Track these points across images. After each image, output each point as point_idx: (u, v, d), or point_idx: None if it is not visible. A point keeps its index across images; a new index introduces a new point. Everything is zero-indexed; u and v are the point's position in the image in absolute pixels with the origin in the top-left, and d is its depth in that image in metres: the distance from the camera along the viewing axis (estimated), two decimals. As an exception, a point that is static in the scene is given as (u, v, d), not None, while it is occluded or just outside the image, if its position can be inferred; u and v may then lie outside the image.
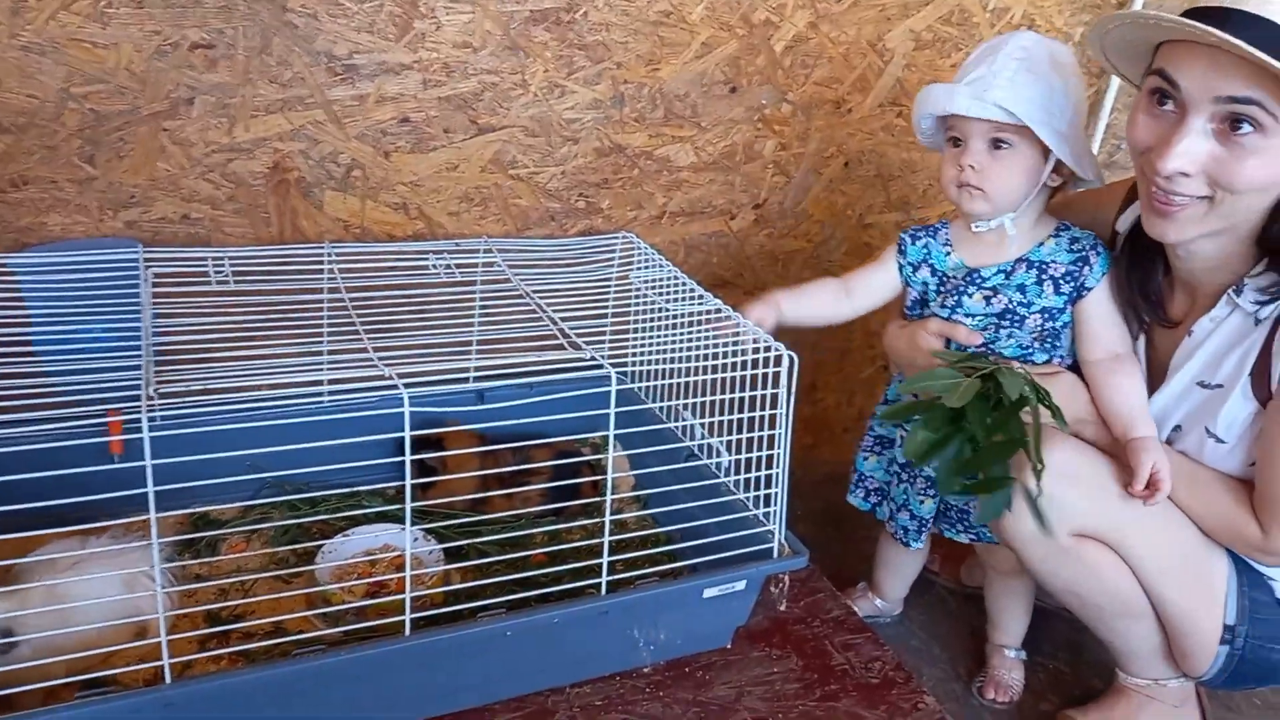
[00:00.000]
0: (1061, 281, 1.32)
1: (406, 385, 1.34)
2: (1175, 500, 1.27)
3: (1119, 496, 1.25)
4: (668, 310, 1.44)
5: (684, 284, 1.44)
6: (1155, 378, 1.34)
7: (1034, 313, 1.33)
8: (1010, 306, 1.33)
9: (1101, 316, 1.32)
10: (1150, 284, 1.32)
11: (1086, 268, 1.31)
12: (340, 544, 1.40)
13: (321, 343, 1.42)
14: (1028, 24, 1.84)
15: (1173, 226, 1.17)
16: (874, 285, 1.44)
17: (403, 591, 1.34)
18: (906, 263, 1.41)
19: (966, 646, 1.69)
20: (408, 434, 1.00)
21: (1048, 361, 1.36)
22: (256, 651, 1.19)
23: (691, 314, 1.39)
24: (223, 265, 1.31)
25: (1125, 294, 1.33)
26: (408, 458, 1.01)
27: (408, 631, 1.08)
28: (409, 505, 1.04)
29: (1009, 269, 1.34)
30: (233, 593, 1.34)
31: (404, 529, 1.43)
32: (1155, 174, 1.14)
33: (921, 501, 1.48)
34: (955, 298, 1.36)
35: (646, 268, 1.52)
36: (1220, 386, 1.25)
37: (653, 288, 1.48)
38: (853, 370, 2.12)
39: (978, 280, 1.35)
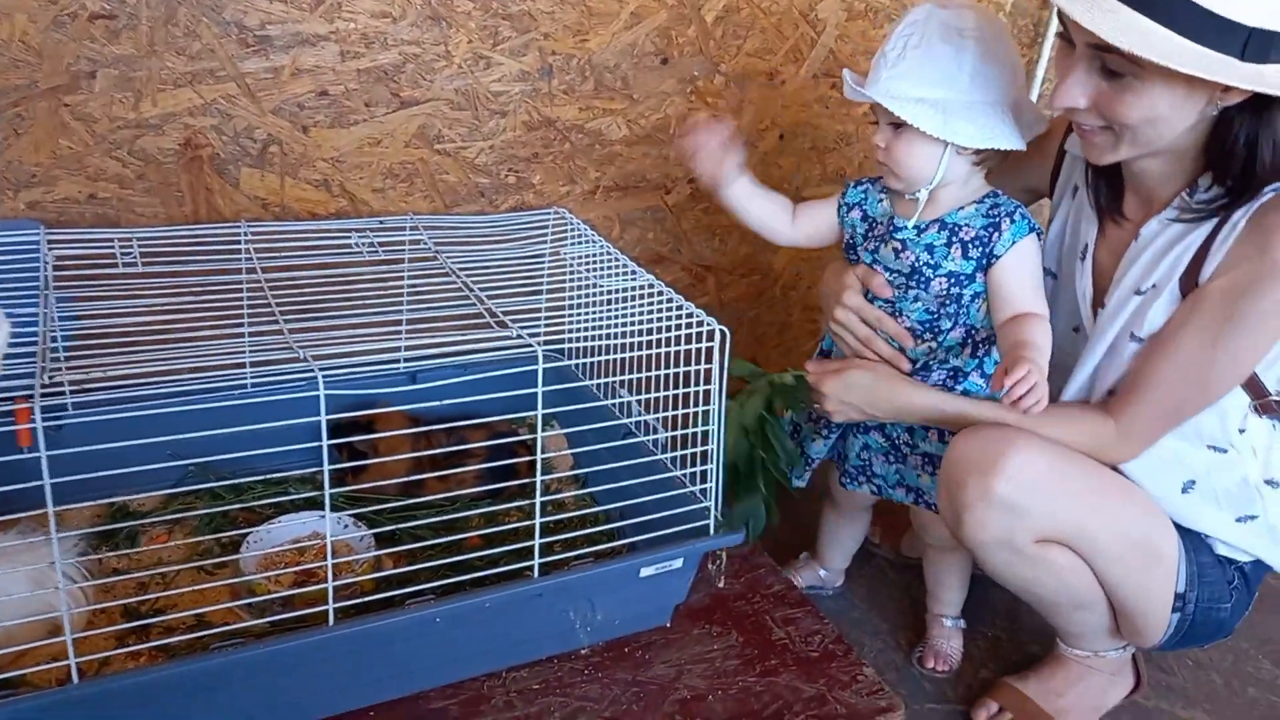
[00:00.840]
0: (970, 245, 1.29)
1: (330, 368, 1.31)
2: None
3: (1079, 496, 1.25)
4: (600, 286, 1.41)
5: (617, 260, 1.41)
6: (1100, 293, 1.33)
7: (940, 275, 1.30)
8: (917, 265, 1.31)
9: (1012, 284, 1.27)
10: (1115, 178, 1.31)
11: (997, 234, 1.28)
12: (266, 532, 1.36)
13: (242, 325, 1.37)
14: (959, -7, 1.83)
15: (1093, 151, 1.20)
16: (815, 218, 1.43)
17: (335, 578, 1.31)
18: (844, 203, 1.41)
19: (907, 617, 1.69)
20: (323, 418, 0.96)
21: (953, 328, 1.34)
22: (177, 646, 1.15)
23: (625, 290, 1.36)
24: (130, 247, 1.25)
25: (1091, 182, 1.33)
26: (324, 443, 0.97)
27: (331, 621, 1.04)
28: (328, 491, 1.00)
29: (922, 227, 1.32)
30: (152, 586, 1.30)
31: (333, 515, 1.41)
32: (1070, 111, 1.17)
33: (813, 441, 1.49)
34: (875, 244, 1.36)
35: (579, 244, 1.49)
36: (1154, 288, 1.23)
37: (585, 264, 1.45)
38: (793, 344, 2.11)
39: (893, 230, 1.34)
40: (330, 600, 1.04)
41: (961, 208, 1.31)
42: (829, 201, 1.44)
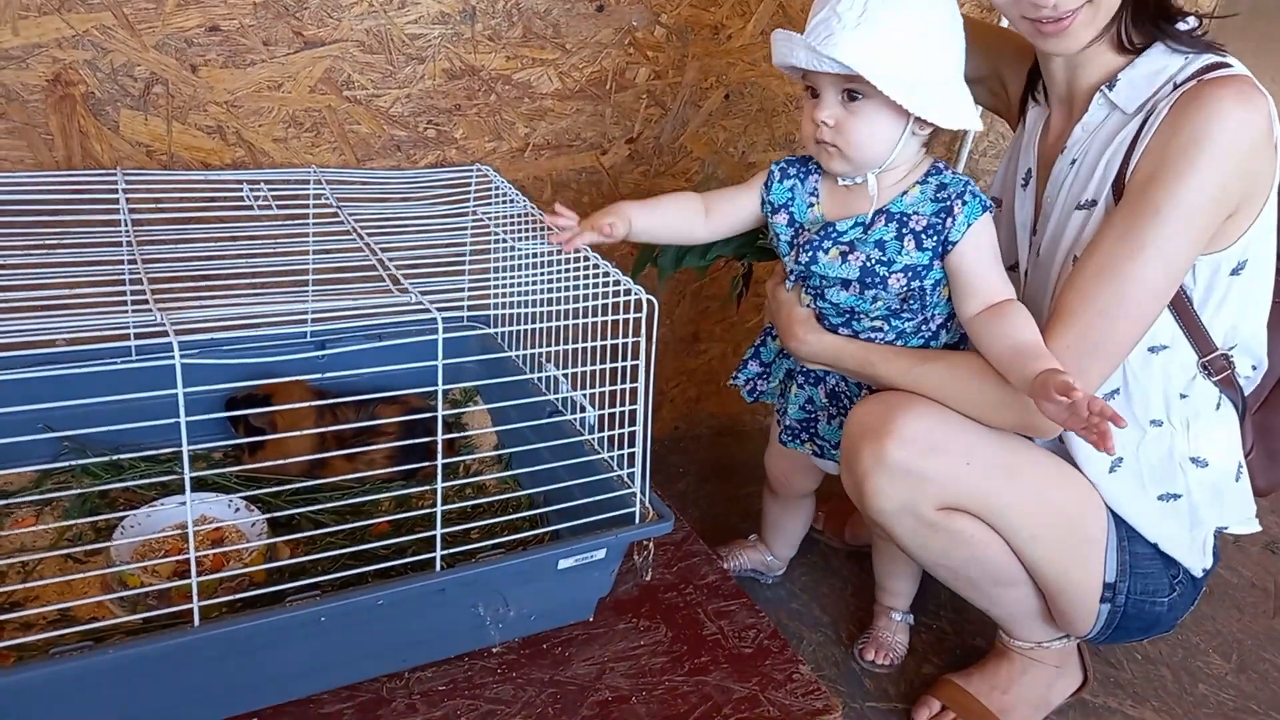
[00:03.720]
0: (923, 235, 1.16)
1: (219, 334, 1.18)
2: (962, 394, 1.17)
3: (985, 463, 1.17)
4: (518, 250, 1.29)
5: (541, 222, 1.29)
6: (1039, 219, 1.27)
7: (896, 272, 1.17)
8: (869, 265, 1.18)
9: (974, 268, 1.15)
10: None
11: (950, 219, 1.14)
12: (147, 516, 1.22)
13: (124, 285, 1.22)
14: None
15: (1069, 38, 1.11)
16: (735, 210, 1.29)
17: (217, 569, 1.19)
18: (769, 200, 1.26)
19: (849, 608, 1.61)
20: (180, 391, 0.83)
21: (921, 324, 1.23)
22: (34, 646, 1.02)
23: (548, 254, 1.25)
24: (-18, 193, 1.11)
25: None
26: (182, 420, 0.84)
27: (196, 621, 0.92)
28: (187, 476, 0.87)
29: (867, 222, 1.19)
30: (11, 576, 1.16)
31: (223, 498, 1.28)
32: (1037, 11, 1.09)
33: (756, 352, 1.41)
34: (810, 253, 1.21)
35: (503, 204, 1.37)
36: (1094, 203, 1.16)
37: (504, 225, 1.33)
38: (736, 320, 2.01)
39: (833, 234, 1.20)
40: (195, 598, 0.91)
41: (905, 192, 1.18)
42: (748, 191, 1.28)
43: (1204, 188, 1.06)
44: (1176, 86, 1.10)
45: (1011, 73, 1.35)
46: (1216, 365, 1.20)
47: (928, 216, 1.16)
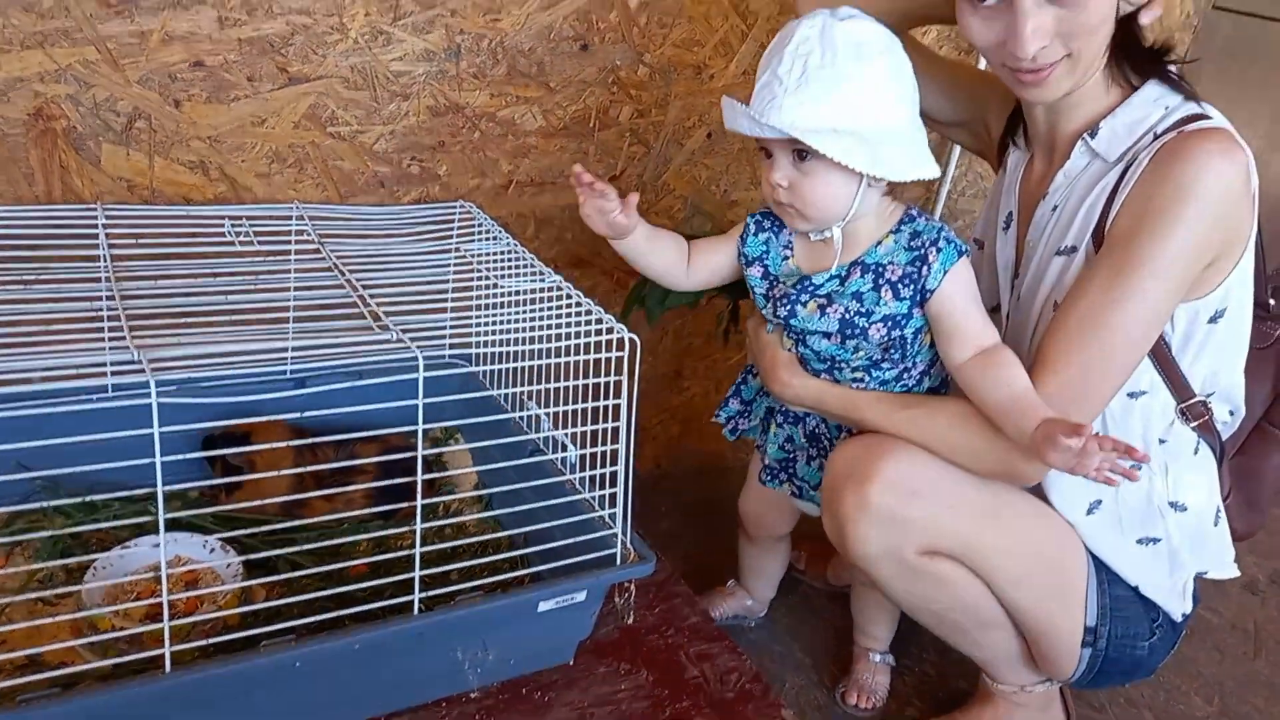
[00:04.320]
0: (900, 285, 1.15)
1: (199, 372, 1.16)
2: (940, 437, 1.17)
3: (967, 507, 1.17)
4: (503, 287, 1.29)
5: (524, 259, 1.29)
6: (1020, 263, 1.28)
7: (875, 322, 1.17)
8: (848, 317, 1.17)
9: (955, 314, 1.15)
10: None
11: (925, 267, 1.13)
12: (119, 557, 1.20)
13: (101, 321, 1.21)
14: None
15: (1048, 88, 1.12)
16: (713, 264, 1.29)
17: (191, 612, 1.16)
18: (744, 252, 1.26)
19: (832, 650, 1.60)
20: (155, 430, 0.82)
21: (901, 374, 1.23)
22: (2, 692, 0.99)
23: (531, 292, 1.24)
24: (-43, 227, 1.09)
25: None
26: (157, 460, 0.83)
27: (168, 668, 0.90)
28: (161, 516, 0.86)
29: (843, 274, 1.18)
30: (-22, 619, 1.13)
31: (198, 538, 1.25)
32: (1017, 62, 1.09)
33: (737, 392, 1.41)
34: (788, 307, 1.21)
35: (485, 241, 1.37)
36: (1074, 249, 1.17)
37: (489, 263, 1.32)
38: (720, 357, 2.01)
39: (810, 288, 1.19)
40: (167, 643, 0.89)
41: (879, 242, 1.17)
42: (725, 244, 1.28)
43: (1184, 240, 1.07)
44: (1157, 137, 1.11)
45: (994, 115, 1.36)
46: (1195, 411, 1.21)
47: (902, 266, 1.15)
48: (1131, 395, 1.18)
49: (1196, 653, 1.70)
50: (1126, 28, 1.11)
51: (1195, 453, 1.24)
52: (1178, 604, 1.27)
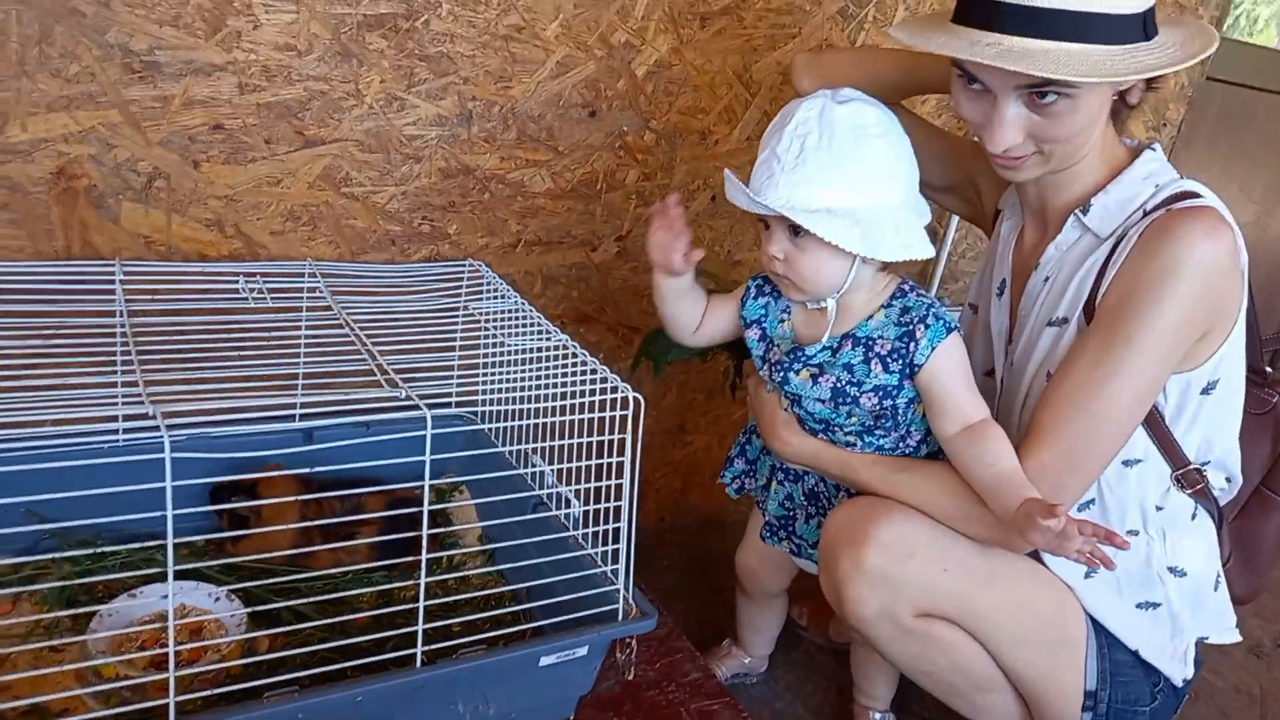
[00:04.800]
0: (889, 359, 1.17)
1: (210, 425, 1.18)
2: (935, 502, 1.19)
3: (962, 569, 1.18)
4: (509, 345, 1.31)
5: (531, 317, 1.31)
6: (1013, 329, 1.30)
7: (866, 392, 1.19)
8: (839, 386, 1.20)
9: (942, 389, 1.16)
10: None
11: (912, 343, 1.15)
12: (125, 607, 1.21)
13: (115, 374, 1.24)
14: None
15: (1020, 173, 1.17)
16: (716, 321, 1.32)
17: (196, 661, 1.17)
18: (743, 315, 1.30)
19: (834, 707, 1.59)
20: (168, 484, 0.84)
21: (898, 442, 1.24)
22: (4, 740, 1.00)
23: (537, 350, 1.27)
24: (-20, 281, 1.12)
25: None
26: (169, 513, 0.85)
27: (172, 718, 0.90)
28: (170, 569, 0.87)
29: (835, 345, 1.21)
30: (-14, 668, 1.14)
31: (204, 587, 1.27)
32: (992, 149, 1.13)
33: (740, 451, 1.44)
34: (781, 373, 1.24)
35: (493, 299, 1.40)
36: (1066, 321, 1.19)
37: (494, 321, 1.35)
38: (722, 412, 2.03)
39: (802, 357, 1.22)
40: (171, 693, 0.90)
41: (871, 316, 1.19)
42: (728, 304, 1.32)
43: (1173, 315, 1.09)
44: (1147, 214, 1.13)
45: (985, 182, 1.40)
46: (1190, 479, 1.22)
47: (891, 340, 1.18)
48: (1126, 463, 1.20)
49: (1201, 717, 1.68)
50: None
51: (1193, 518, 1.25)
52: (1179, 669, 1.27)
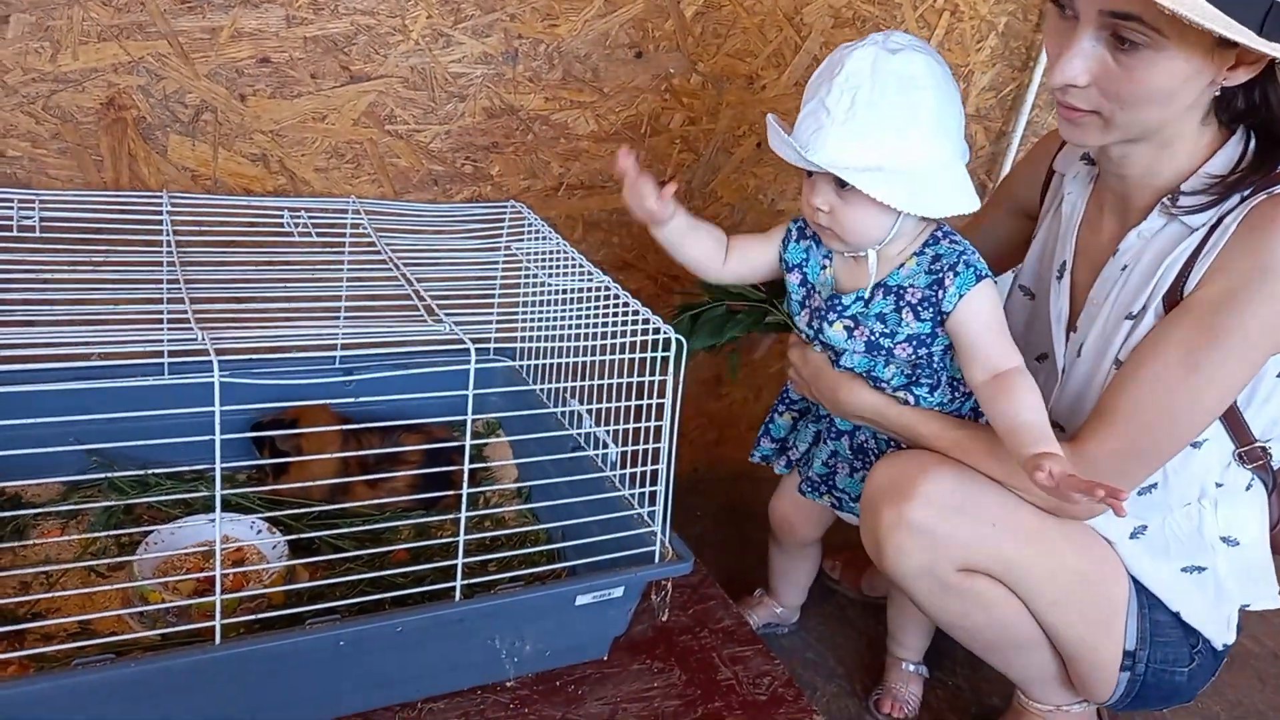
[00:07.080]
0: (920, 308, 1.16)
1: (251, 356, 1.19)
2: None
3: (1005, 526, 1.16)
4: (550, 286, 1.31)
5: (573, 259, 1.31)
6: (1075, 314, 1.25)
7: (900, 342, 1.18)
8: (873, 339, 1.19)
9: (972, 336, 1.14)
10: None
11: (941, 290, 1.14)
12: (170, 534, 1.24)
13: (162, 304, 1.25)
14: (950, 9, 1.76)
15: (1078, 131, 1.11)
16: (753, 258, 1.29)
17: (237, 589, 1.19)
18: (784, 258, 1.27)
19: (865, 659, 1.59)
20: (217, 409, 0.85)
21: (936, 386, 1.22)
22: (54, 656, 1.03)
23: (579, 290, 1.26)
24: (31, 209, 1.13)
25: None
26: (217, 437, 0.86)
27: (218, 640, 0.92)
28: (219, 493, 0.88)
29: (867, 296, 1.19)
30: (36, 586, 1.17)
31: (245, 519, 1.29)
32: (1053, 86, 1.08)
33: (778, 417, 1.44)
34: (819, 322, 1.23)
35: (533, 240, 1.39)
36: (1144, 312, 1.14)
37: (539, 262, 1.34)
38: (760, 365, 2.01)
39: (838, 307, 1.21)
40: (218, 616, 0.92)
41: (902, 265, 1.18)
42: (768, 241, 1.28)
43: (1269, 316, 1.05)
44: (1244, 199, 1.08)
45: (1023, 190, 1.43)
46: (1253, 455, 1.19)
47: (921, 289, 1.16)
48: (1194, 445, 1.17)
49: (1237, 680, 1.67)
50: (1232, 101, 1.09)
51: (1248, 488, 1.23)
52: (1222, 634, 1.26)
